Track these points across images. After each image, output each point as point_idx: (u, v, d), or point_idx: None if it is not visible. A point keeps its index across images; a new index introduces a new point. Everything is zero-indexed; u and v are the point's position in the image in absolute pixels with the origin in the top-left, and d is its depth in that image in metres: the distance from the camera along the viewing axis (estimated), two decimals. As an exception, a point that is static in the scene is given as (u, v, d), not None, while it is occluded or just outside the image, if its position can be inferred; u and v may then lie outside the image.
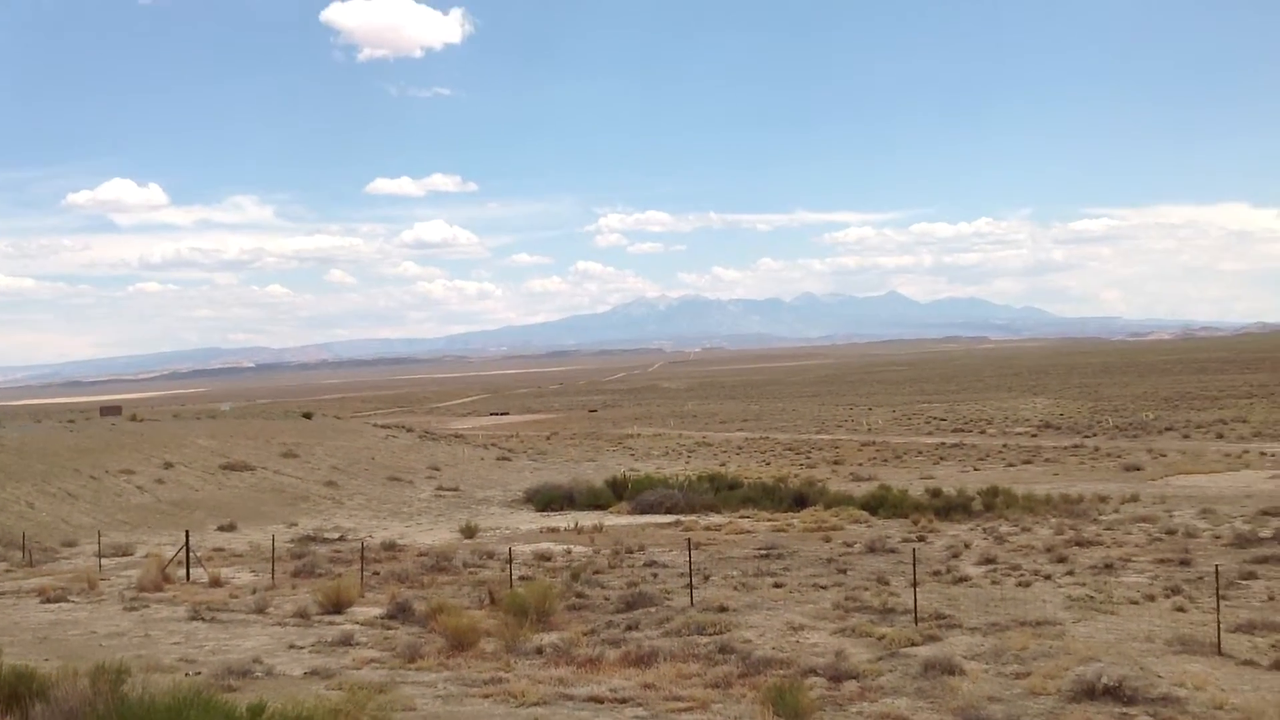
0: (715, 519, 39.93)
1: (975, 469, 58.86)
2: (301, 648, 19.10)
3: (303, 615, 22.04)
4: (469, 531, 38.14)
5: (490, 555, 30.67)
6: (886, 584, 24.07)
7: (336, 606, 22.46)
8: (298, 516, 44.36)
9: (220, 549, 34.85)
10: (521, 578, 25.81)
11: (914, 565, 22.50)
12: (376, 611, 22.24)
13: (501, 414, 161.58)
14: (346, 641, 19.34)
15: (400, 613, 21.68)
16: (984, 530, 33.57)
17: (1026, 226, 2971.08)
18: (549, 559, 30.06)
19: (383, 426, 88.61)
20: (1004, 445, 73.33)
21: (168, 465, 51.63)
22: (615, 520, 40.96)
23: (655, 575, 26.66)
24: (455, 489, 54.68)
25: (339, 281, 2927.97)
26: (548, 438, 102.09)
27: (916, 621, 19.69)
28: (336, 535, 38.29)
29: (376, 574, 27.48)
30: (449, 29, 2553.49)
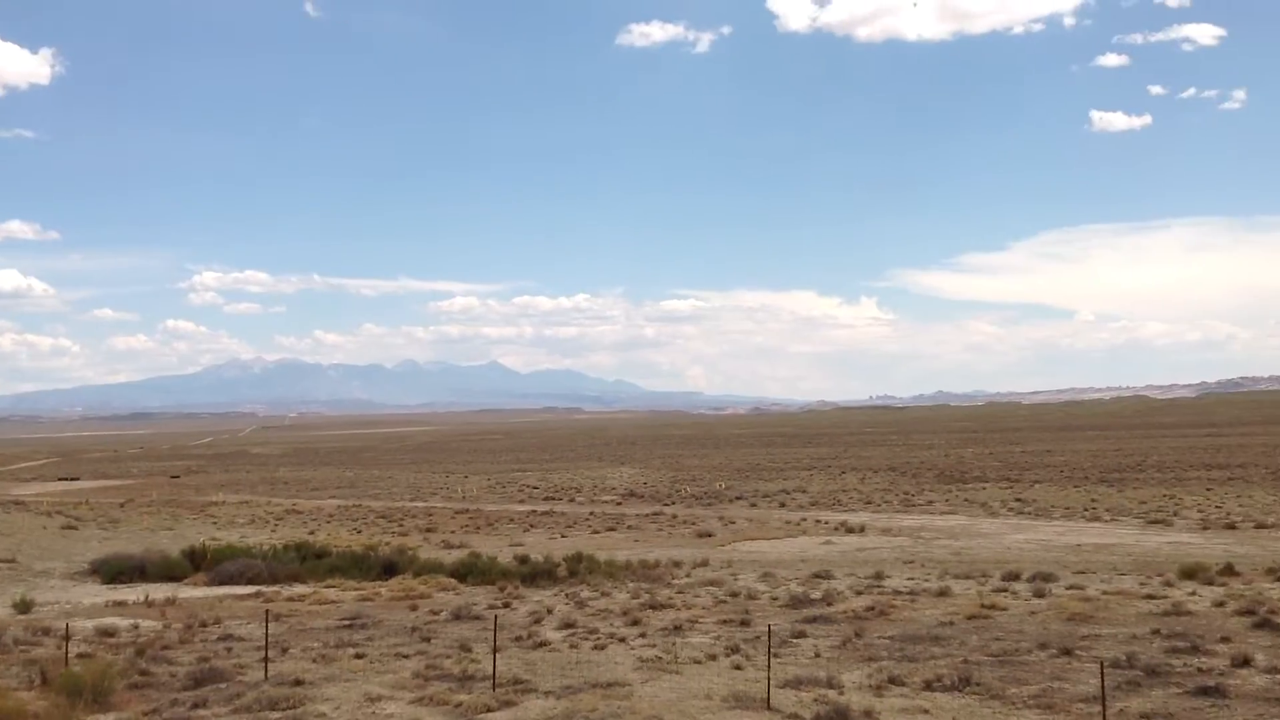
0: (300, 589, 38.73)
1: (563, 536, 60.46)
2: None
3: None
4: (23, 606, 34.98)
5: (46, 632, 28.30)
6: (469, 651, 24.27)
7: None
8: None
9: None
10: (80, 655, 24.03)
11: (495, 631, 22.89)
12: (-95, 697, 20.06)
13: (72, 479, 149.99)
14: None
15: (-66, 698, 19.68)
16: (566, 596, 34.49)
17: (621, 303, 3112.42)
18: (113, 635, 28.12)
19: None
20: (591, 513, 75.80)
21: None
22: (191, 592, 38.89)
23: (230, 649, 25.57)
24: (11, 560, 50.02)
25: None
26: (122, 505, 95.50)
27: (494, 688, 20.03)
28: None
29: (-91, 656, 24.77)
30: (36, 68, 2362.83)
